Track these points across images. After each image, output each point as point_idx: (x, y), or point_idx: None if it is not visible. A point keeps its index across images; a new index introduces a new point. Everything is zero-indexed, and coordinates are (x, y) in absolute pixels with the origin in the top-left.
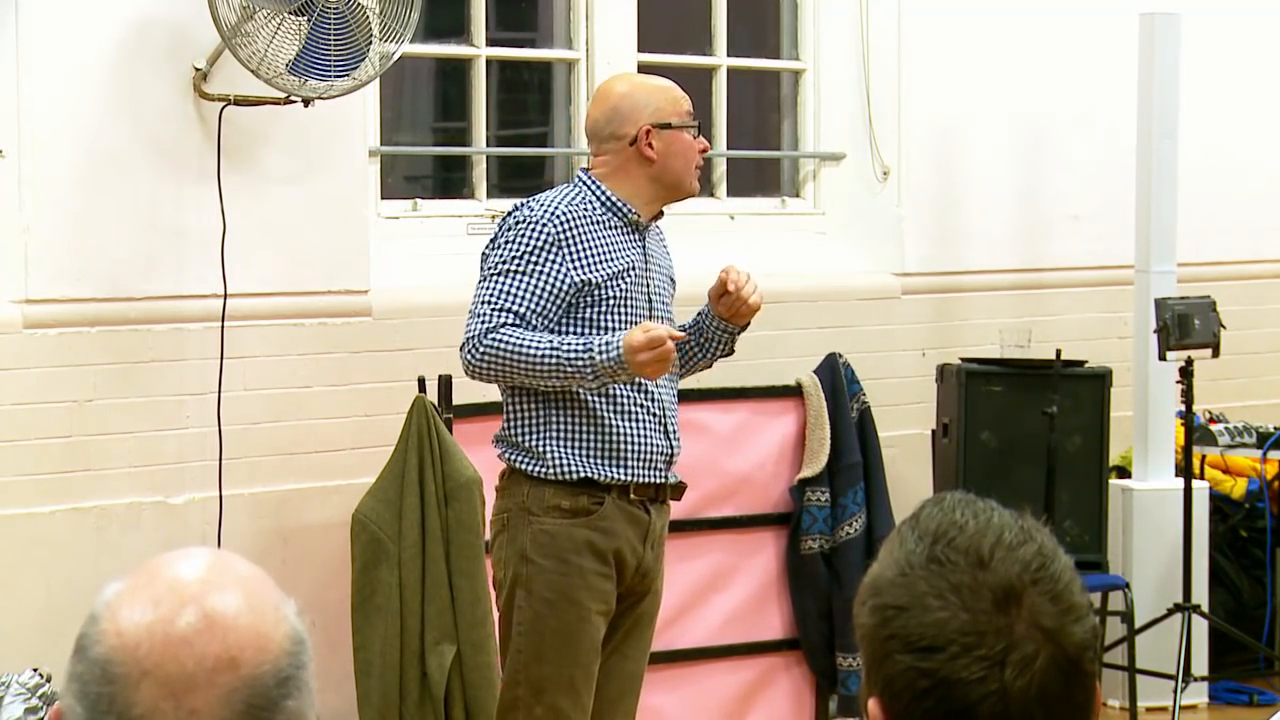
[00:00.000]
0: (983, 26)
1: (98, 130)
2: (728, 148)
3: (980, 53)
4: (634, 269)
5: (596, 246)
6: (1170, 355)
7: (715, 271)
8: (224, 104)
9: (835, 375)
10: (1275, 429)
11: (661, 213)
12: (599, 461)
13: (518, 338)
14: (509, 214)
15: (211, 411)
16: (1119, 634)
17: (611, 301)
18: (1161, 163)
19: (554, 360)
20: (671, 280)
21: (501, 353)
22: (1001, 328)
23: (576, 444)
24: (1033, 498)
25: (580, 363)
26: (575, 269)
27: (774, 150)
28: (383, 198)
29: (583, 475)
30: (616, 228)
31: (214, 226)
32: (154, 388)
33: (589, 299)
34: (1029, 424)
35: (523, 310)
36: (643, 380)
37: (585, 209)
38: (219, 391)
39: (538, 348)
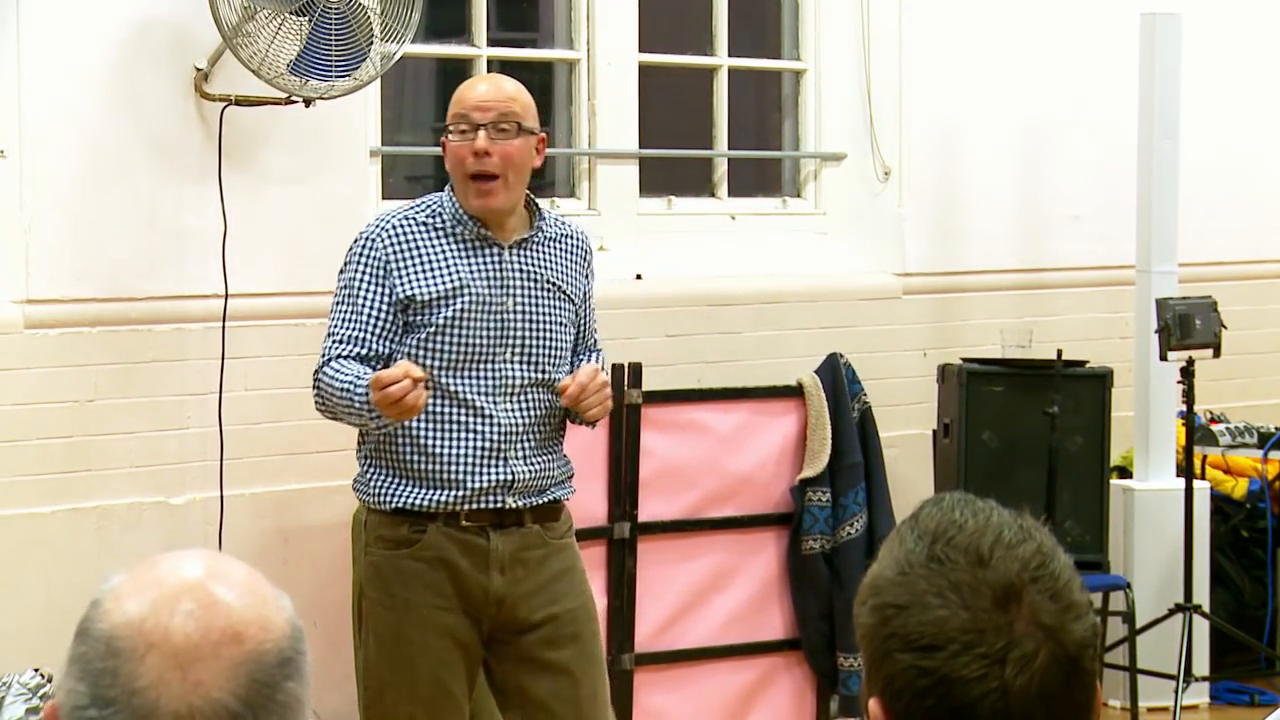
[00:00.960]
0: (984, 26)
1: (99, 130)
2: (729, 148)
3: (981, 52)
4: (470, 289)
5: (428, 262)
6: (1171, 355)
7: (718, 274)
8: (225, 104)
9: (836, 375)
10: (1276, 429)
11: (537, 229)
12: (416, 488)
13: (333, 372)
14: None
15: (213, 412)
16: (1120, 634)
17: (442, 324)
18: (1162, 163)
19: (348, 398)
20: (567, 298)
21: (324, 390)
22: (1002, 328)
23: (395, 470)
24: (1034, 498)
25: (362, 399)
26: (401, 287)
27: (775, 150)
28: (384, 198)
29: (396, 505)
30: (465, 242)
31: (215, 226)
32: (155, 388)
33: (419, 320)
34: (1030, 424)
35: (355, 336)
36: (485, 408)
37: (431, 220)
38: (220, 392)
39: (341, 383)
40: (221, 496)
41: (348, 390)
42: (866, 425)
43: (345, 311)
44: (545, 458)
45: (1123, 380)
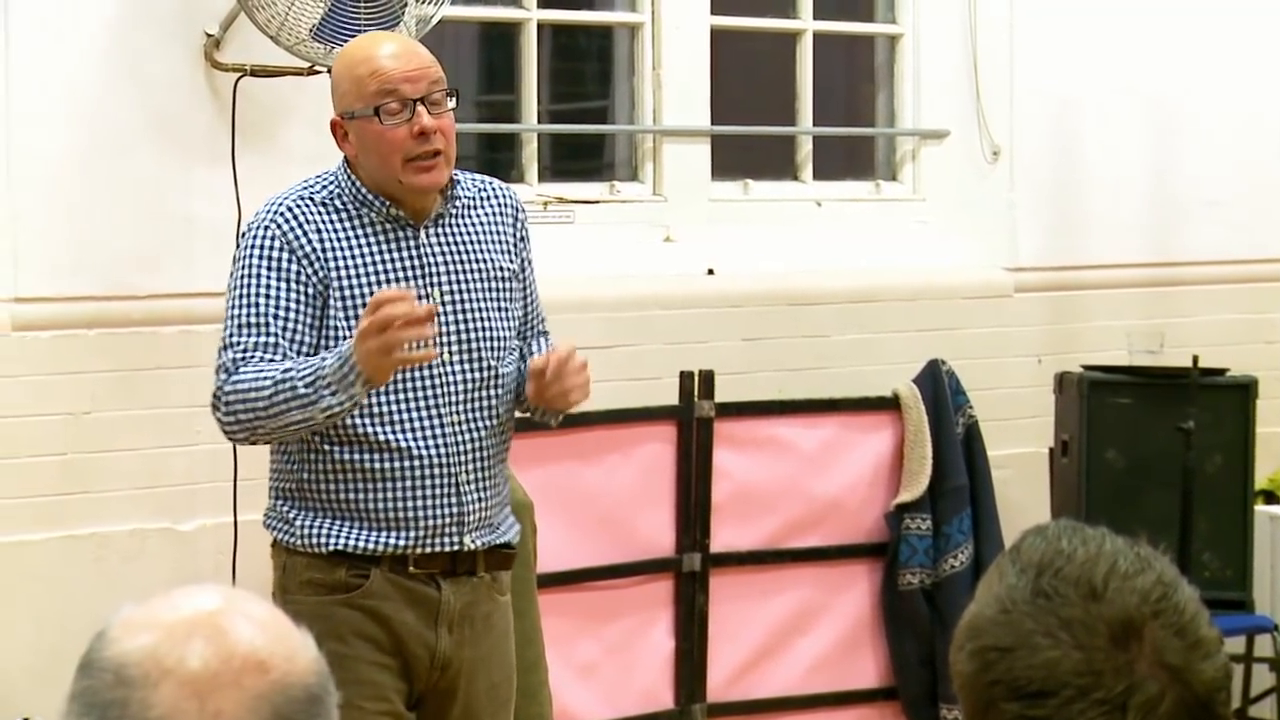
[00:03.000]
0: None
1: (96, 105)
2: (814, 124)
3: (1105, 15)
4: (396, 269)
5: (337, 250)
6: None
7: (802, 269)
8: (239, 75)
9: (938, 385)
10: None
11: (450, 203)
12: (355, 528)
13: (250, 375)
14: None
15: None
16: (1268, 683)
17: (351, 311)
18: None
19: (287, 388)
20: (502, 273)
21: (239, 400)
22: (1129, 330)
23: (327, 507)
24: (1166, 526)
25: (310, 378)
26: (311, 274)
27: (867, 127)
28: None
29: (334, 547)
30: (372, 225)
31: (227, 214)
32: (160, 398)
33: (330, 311)
34: (1161, 441)
35: (273, 338)
36: (425, 422)
37: (330, 201)
38: None
39: (270, 378)
40: (235, 522)
41: (285, 379)
42: (973, 442)
43: (243, 312)
44: (496, 480)
45: (1269, 391)
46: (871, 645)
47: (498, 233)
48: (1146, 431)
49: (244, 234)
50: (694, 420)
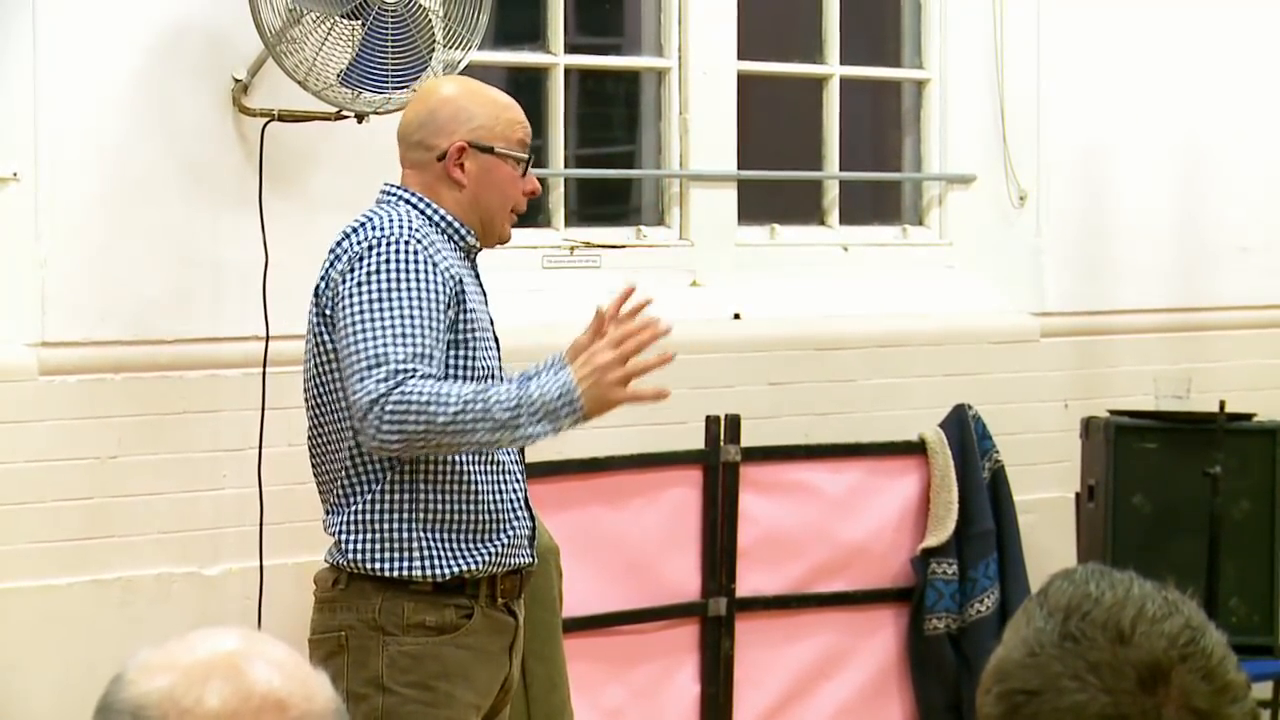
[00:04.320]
0: (1134, 30)
1: (124, 150)
2: (840, 169)
3: (1132, 60)
4: (479, 297)
5: (448, 261)
6: None
7: (828, 313)
8: (267, 120)
9: (964, 430)
10: None
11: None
12: (469, 543)
13: (432, 388)
14: (352, 241)
15: (251, 470)
16: None
17: (471, 336)
18: None
19: (479, 409)
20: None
21: (415, 410)
22: (1156, 376)
23: (447, 526)
24: (1193, 572)
25: (513, 403)
26: (451, 291)
27: (894, 172)
28: None
29: (453, 571)
30: (456, 249)
31: (255, 259)
32: (186, 442)
33: (457, 331)
34: (1188, 487)
35: (428, 352)
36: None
37: (426, 223)
38: (260, 447)
39: (458, 396)
40: (261, 566)
41: (476, 401)
42: (999, 487)
43: (400, 325)
44: None
45: None
46: (897, 691)
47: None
48: (1173, 477)
49: (380, 245)
50: (720, 465)
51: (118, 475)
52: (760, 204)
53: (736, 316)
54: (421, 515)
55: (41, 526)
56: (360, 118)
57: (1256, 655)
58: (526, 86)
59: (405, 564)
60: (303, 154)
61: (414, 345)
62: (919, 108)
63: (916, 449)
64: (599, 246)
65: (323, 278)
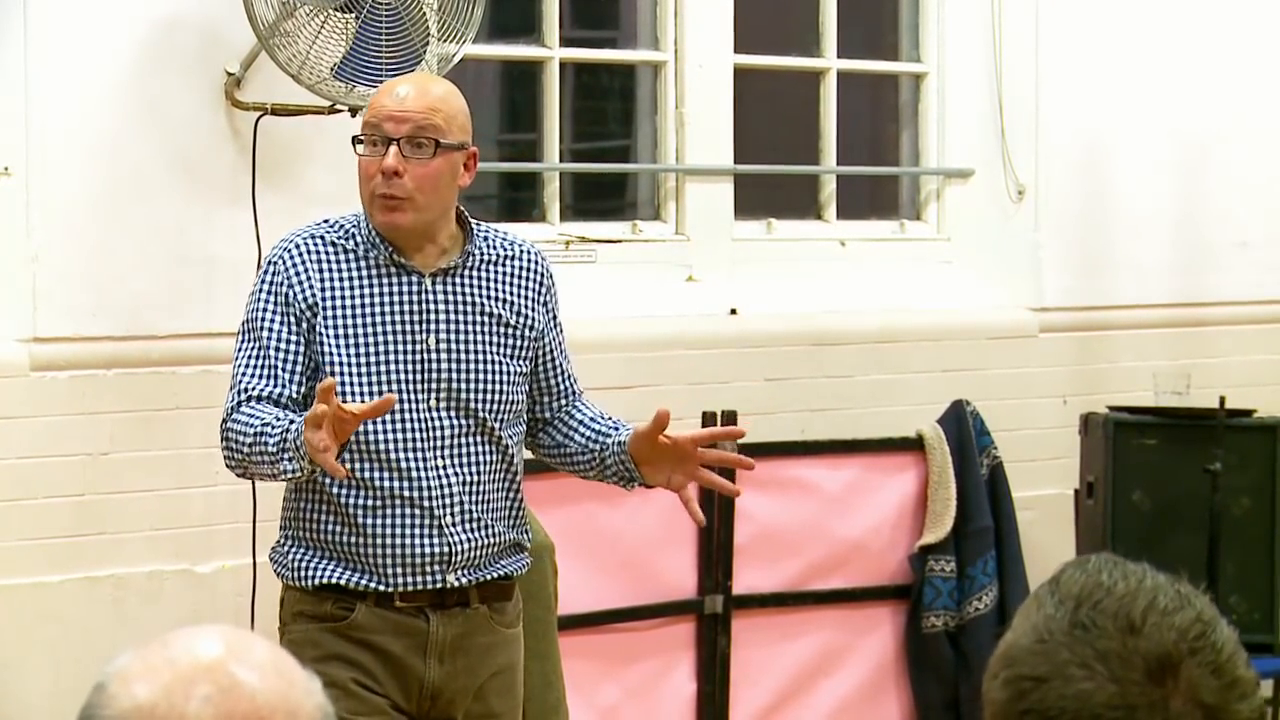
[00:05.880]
0: (1133, 23)
1: (116, 145)
2: (837, 163)
3: (1130, 54)
4: (397, 316)
5: (337, 290)
6: None
7: (825, 309)
8: (260, 114)
9: (962, 426)
10: None
11: (468, 256)
12: (339, 566)
13: (245, 417)
14: None
15: None
16: None
17: (355, 365)
18: None
19: (261, 443)
20: (511, 329)
21: (231, 439)
22: (1156, 371)
23: (315, 544)
24: (1192, 568)
25: (277, 438)
26: (305, 308)
27: (891, 166)
28: None
29: (319, 582)
30: (378, 268)
31: (247, 254)
32: (179, 439)
33: (321, 345)
34: (1188, 483)
35: (269, 371)
36: (409, 465)
37: (342, 241)
38: None
39: (252, 428)
40: (254, 564)
41: (261, 434)
42: (997, 484)
43: (250, 349)
44: (491, 525)
45: None
46: (895, 688)
47: (515, 290)
48: (1173, 473)
49: (260, 269)
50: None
51: (109, 472)
52: (757, 198)
53: (733, 312)
54: (299, 536)
55: (33, 523)
56: (354, 112)
57: (1257, 653)
58: (521, 80)
59: (283, 569)
60: (296, 148)
61: (261, 364)
62: (916, 101)
63: (914, 445)
64: (594, 241)
65: None
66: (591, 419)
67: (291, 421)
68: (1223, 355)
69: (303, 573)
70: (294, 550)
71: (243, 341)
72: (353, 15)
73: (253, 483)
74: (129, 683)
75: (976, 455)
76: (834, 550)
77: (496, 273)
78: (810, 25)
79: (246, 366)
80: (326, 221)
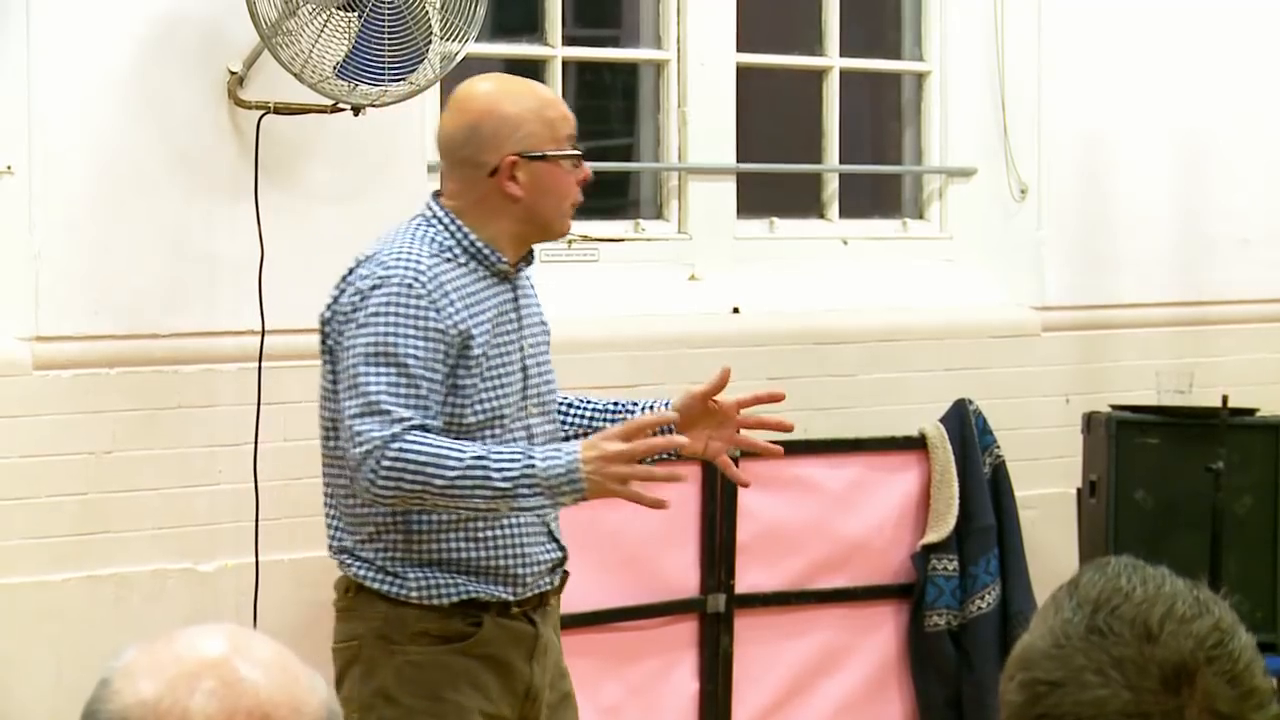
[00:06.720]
0: (1136, 21)
1: (118, 143)
2: (840, 162)
3: (1134, 51)
4: (505, 326)
5: (465, 302)
6: None
7: (828, 307)
8: (262, 112)
9: (965, 424)
10: None
11: (531, 256)
12: (470, 580)
13: (433, 447)
14: (359, 274)
15: (247, 465)
16: None
17: (473, 387)
18: None
19: (479, 475)
20: (546, 332)
21: (413, 468)
22: (1159, 370)
23: (439, 561)
24: (1195, 568)
25: (513, 473)
26: (456, 333)
27: (894, 165)
28: None
29: (457, 599)
30: (482, 276)
31: (250, 253)
32: (181, 437)
33: (465, 367)
34: (1191, 482)
35: (424, 404)
36: None
37: (442, 253)
38: (255, 442)
39: (459, 459)
40: (257, 563)
41: (477, 463)
42: (1000, 482)
43: (392, 375)
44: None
45: None
46: (897, 687)
47: (535, 292)
48: (1175, 472)
49: (381, 288)
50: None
51: (112, 470)
52: (759, 197)
53: (735, 310)
54: (415, 554)
55: (36, 522)
56: (357, 110)
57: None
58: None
59: (403, 590)
60: (298, 147)
61: (413, 394)
62: (919, 100)
63: (917, 444)
64: (597, 240)
65: (330, 305)
66: (566, 400)
67: (529, 457)
68: (1225, 354)
69: (433, 591)
70: (410, 570)
71: (377, 366)
72: (355, 14)
73: (255, 481)
74: (133, 678)
75: (979, 454)
76: (836, 549)
77: (528, 279)
78: (813, 24)
79: (392, 395)
80: (417, 234)
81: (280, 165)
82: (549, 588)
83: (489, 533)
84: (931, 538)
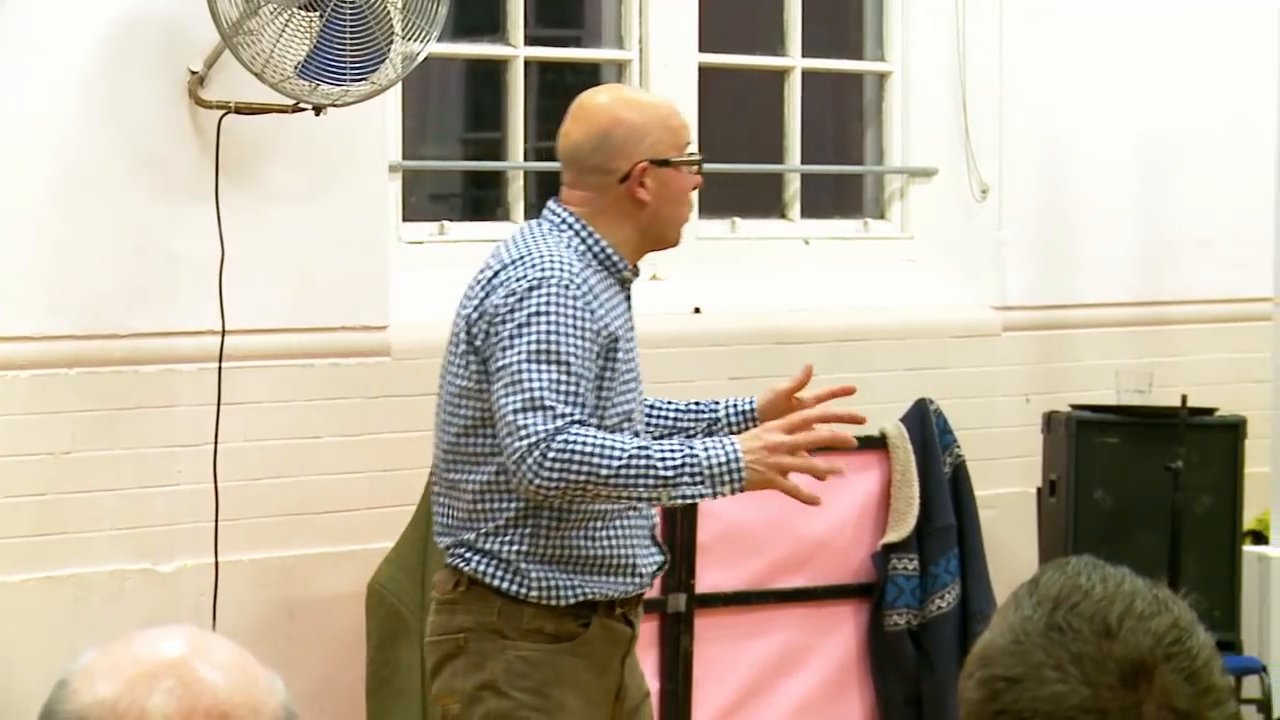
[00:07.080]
0: (1097, 23)
1: (77, 143)
2: (802, 162)
3: (1095, 52)
4: (630, 332)
5: (606, 306)
6: None
7: (789, 307)
8: (223, 112)
9: (925, 424)
10: None
11: (638, 268)
12: (587, 578)
13: (596, 439)
14: (513, 274)
15: (206, 465)
16: None
17: (612, 389)
18: None
19: (642, 465)
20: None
21: (578, 460)
22: (1118, 370)
23: (561, 560)
24: (1154, 566)
25: (675, 461)
26: (606, 335)
27: (855, 165)
28: (404, 220)
29: (568, 601)
30: (611, 283)
31: (211, 253)
32: (141, 438)
33: (606, 369)
34: (1150, 482)
35: (584, 401)
36: None
37: (584, 259)
38: (215, 443)
39: (623, 449)
40: (216, 563)
41: (641, 453)
42: (960, 482)
43: (554, 372)
44: None
45: (1257, 431)
46: (857, 686)
47: None
48: (1135, 471)
49: (543, 285)
50: None
51: (71, 471)
52: (721, 197)
53: (696, 310)
54: (540, 553)
55: None
56: (318, 110)
57: (1218, 651)
58: (486, 79)
59: (522, 588)
60: (259, 147)
61: (574, 392)
62: (880, 100)
63: (877, 444)
64: None
65: (476, 305)
66: (648, 402)
67: (690, 447)
68: (1185, 354)
69: (552, 592)
70: (533, 566)
71: (539, 363)
72: (317, 14)
73: (214, 482)
74: (92, 679)
75: (939, 454)
76: (797, 549)
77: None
78: (775, 24)
79: (554, 391)
80: (560, 239)
81: (241, 165)
82: (648, 588)
83: (607, 531)
84: (892, 537)
